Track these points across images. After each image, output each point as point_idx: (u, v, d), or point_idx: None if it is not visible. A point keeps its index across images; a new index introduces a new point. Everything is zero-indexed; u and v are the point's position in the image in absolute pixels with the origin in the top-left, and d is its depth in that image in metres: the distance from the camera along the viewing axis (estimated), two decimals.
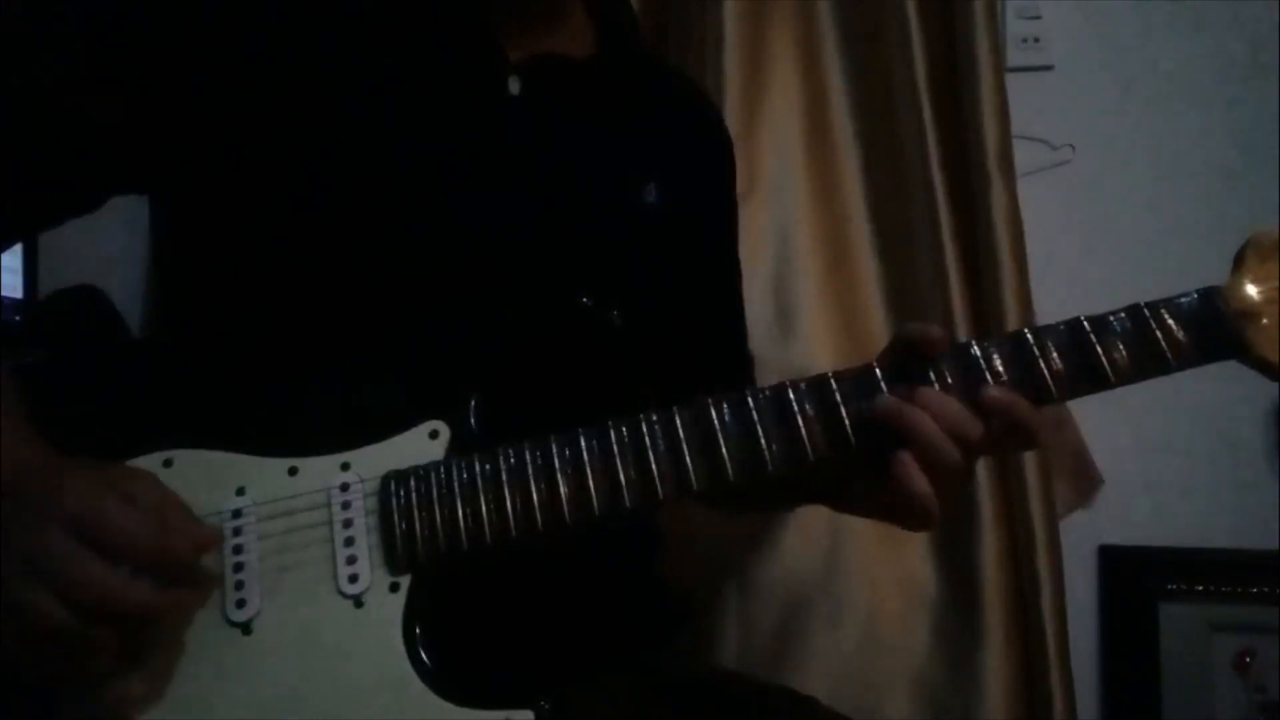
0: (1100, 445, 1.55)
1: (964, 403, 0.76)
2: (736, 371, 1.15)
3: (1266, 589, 1.51)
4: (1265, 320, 0.76)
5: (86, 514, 0.70)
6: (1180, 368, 0.76)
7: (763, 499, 1.11)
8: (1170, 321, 0.77)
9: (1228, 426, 1.56)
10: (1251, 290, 0.77)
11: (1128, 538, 1.57)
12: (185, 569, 0.72)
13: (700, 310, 1.05)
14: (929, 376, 0.77)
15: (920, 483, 0.76)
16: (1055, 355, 0.77)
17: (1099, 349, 0.76)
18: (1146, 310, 0.77)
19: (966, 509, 1.45)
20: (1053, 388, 0.76)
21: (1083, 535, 1.56)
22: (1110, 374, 0.76)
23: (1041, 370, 0.76)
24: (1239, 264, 0.79)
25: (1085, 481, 1.55)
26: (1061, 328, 0.78)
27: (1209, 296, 0.77)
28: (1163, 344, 0.76)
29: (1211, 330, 0.77)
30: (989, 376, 0.77)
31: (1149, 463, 1.57)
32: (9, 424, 0.77)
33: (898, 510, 0.80)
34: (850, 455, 0.78)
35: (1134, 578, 1.55)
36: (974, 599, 1.44)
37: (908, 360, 0.78)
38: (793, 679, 1.43)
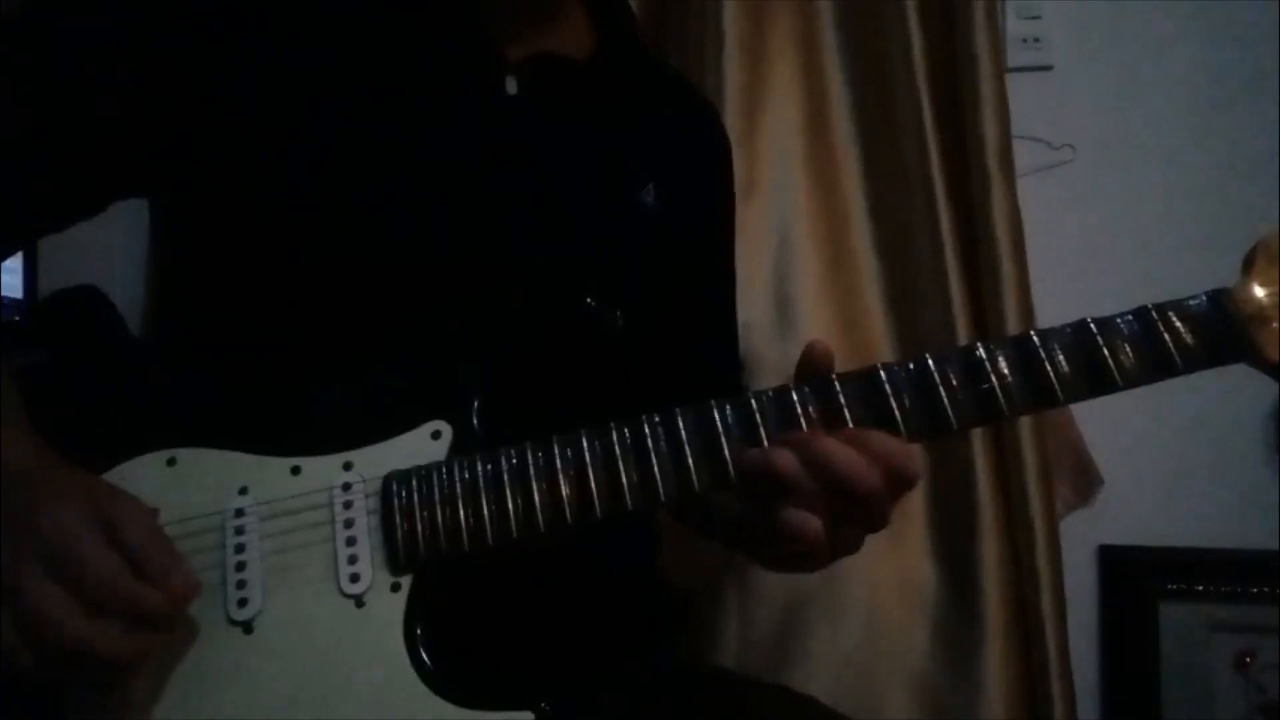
0: (1100, 445, 1.55)
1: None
2: (727, 376, 1.15)
3: (1266, 589, 1.51)
4: (1275, 324, 0.75)
5: (62, 547, 0.68)
6: (1188, 371, 0.75)
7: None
8: (1178, 324, 0.75)
9: (1228, 426, 1.56)
10: (1260, 293, 0.76)
11: (1128, 538, 1.57)
12: (157, 619, 0.70)
13: (694, 314, 1.05)
14: (933, 379, 0.76)
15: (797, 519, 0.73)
16: (1061, 358, 0.75)
17: (1105, 351, 0.75)
18: (1154, 312, 0.76)
19: (966, 510, 1.46)
20: (1059, 391, 0.75)
21: (1083, 535, 1.56)
22: (1117, 377, 0.75)
23: (1047, 373, 0.75)
24: (1248, 267, 0.78)
25: (1085, 481, 1.55)
26: (1067, 330, 0.76)
27: (1217, 299, 0.76)
28: (1170, 347, 0.75)
29: (1220, 333, 0.75)
30: (993, 379, 0.76)
31: (1149, 463, 1.57)
32: (8, 426, 0.77)
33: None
34: None
35: (1134, 578, 1.55)
36: (974, 599, 1.44)
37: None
38: (793, 679, 1.43)
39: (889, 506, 0.75)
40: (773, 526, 0.73)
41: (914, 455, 0.73)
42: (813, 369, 0.77)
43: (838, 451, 0.72)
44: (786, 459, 0.72)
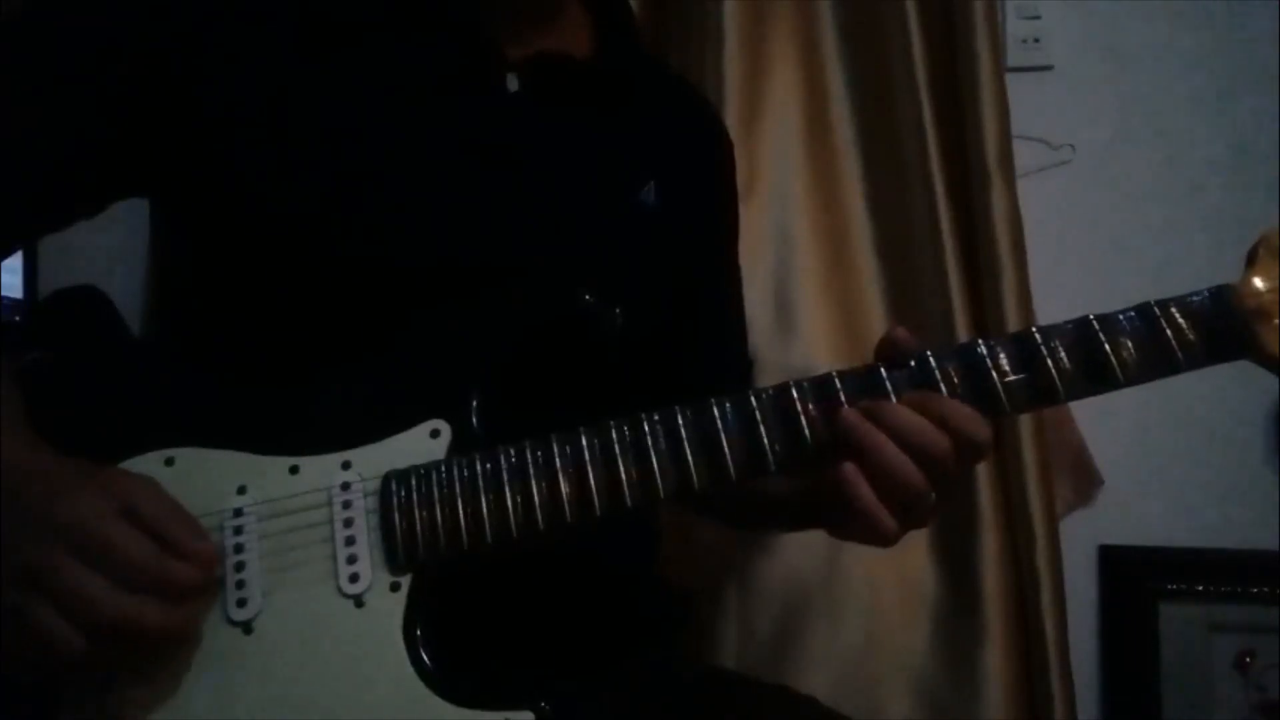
0: (1100, 445, 1.55)
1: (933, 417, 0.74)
2: (736, 375, 1.14)
3: (1266, 589, 1.51)
4: (1277, 320, 0.75)
5: (88, 532, 0.69)
6: (1190, 367, 0.75)
7: (751, 513, 1.08)
8: (1181, 320, 0.75)
9: (1228, 426, 1.55)
10: (1263, 289, 0.76)
11: (1128, 538, 1.57)
12: (189, 589, 0.72)
13: (698, 313, 1.05)
14: (935, 376, 0.76)
15: (864, 491, 0.74)
16: (1063, 354, 0.75)
17: (1108, 348, 0.75)
18: (1156, 309, 0.76)
19: (966, 509, 1.46)
20: (1060, 388, 0.75)
21: (1083, 535, 1.56)
22: (1119, 374, 0.75)
23: (1049, 370, 0.75)
24: (1251, 262, 0.77)
25: (1085, 481, 1.55)
26: (1069, 326, 0.76)
27: (1221, 295, 0.76)
28: (1173, 343, 0.75)
29: (1223, 329, 0.75)
30: (995, 376, 0.76)
31: (1149, 463, 1.57)
32: (9, 426, 0.77)
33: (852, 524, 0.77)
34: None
35: (1134, 578, 1.55)
36: (974, 599, 1.44)
37: (905, 359, 0.78)
38: (793, 679, 1.43)
39: (958, 472, 0.76)
40: (834, 494, 0.75)
41: (977, 419, 0.75)
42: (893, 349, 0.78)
43: (905, 413, 0.74)
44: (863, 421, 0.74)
